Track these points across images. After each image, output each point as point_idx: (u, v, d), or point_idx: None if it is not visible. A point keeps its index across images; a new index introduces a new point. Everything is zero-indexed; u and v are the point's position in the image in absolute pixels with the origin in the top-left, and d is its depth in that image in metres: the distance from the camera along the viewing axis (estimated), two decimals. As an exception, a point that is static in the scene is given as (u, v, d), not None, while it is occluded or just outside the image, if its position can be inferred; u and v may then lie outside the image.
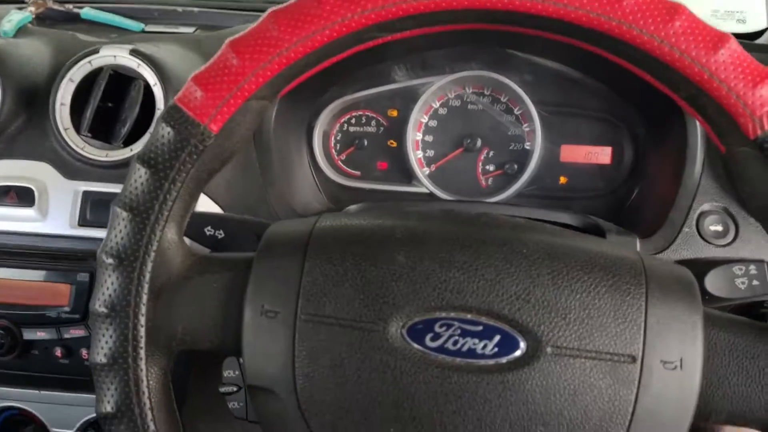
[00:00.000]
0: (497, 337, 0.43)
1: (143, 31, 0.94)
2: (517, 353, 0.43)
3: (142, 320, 0.46)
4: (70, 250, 0.75)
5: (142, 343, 0.46)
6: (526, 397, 0.42)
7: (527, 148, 0.86)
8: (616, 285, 0.44)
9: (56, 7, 0.96)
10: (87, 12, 0.95)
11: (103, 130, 0.76)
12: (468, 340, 0.43)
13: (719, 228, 0.71)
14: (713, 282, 0.58)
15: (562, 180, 0.87)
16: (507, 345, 0.43)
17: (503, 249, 0.45)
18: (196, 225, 0.62)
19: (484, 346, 0.43)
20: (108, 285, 0.45)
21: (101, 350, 0.45)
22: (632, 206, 0.83)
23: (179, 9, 0.98)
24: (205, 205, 0.75)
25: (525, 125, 0.86)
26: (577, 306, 0.43)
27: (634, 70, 0.46)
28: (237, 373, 0.66)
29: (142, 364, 0.46)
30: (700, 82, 0.41)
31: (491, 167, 0.88)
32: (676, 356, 0.42)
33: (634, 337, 0.42)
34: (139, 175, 0.46)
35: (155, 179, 0.46)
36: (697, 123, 0.72)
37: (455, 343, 0.43)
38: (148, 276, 0.46)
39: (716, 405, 0.44)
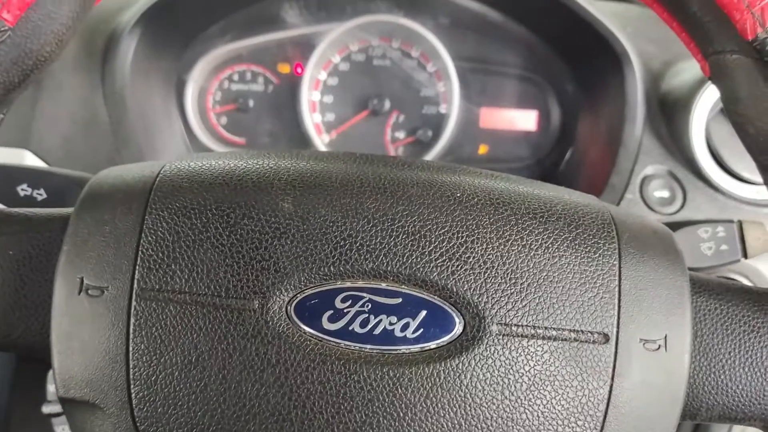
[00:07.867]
0: (423, 313, 0.32)
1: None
2: (452, 335, 0.32)
3: None
4: None
5: None
6: (465, 396, 0.31)
7: (442, 111, 0.76)
8: (580, 239, 0.33)
9: None
10: None
11: None
12: (383, 319, 0.32)
13: (665, 194, 0.62)
14: None
15: (482, 149, 0.77)
16: (437, 324, 0.32)
17: (429, 193, 0.33)
18: (3, 182, 0.45)
19: (405, 327, 0.32)
20: None
21: None
22: (563, 174, 0.73)
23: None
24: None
25: (440, 84, 0.75)
26: (532, 267, 0.32)
27: None
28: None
29: None
30: None
31: (401, 134, 0.77)
32: (659, 333, 0.33)
33: (607, 308, 0.32)
34: None
35: None
36: (636, 73, 0.63)
37: (364, 323, 0.31)
38: None
39: (708, 398, 0.35)
